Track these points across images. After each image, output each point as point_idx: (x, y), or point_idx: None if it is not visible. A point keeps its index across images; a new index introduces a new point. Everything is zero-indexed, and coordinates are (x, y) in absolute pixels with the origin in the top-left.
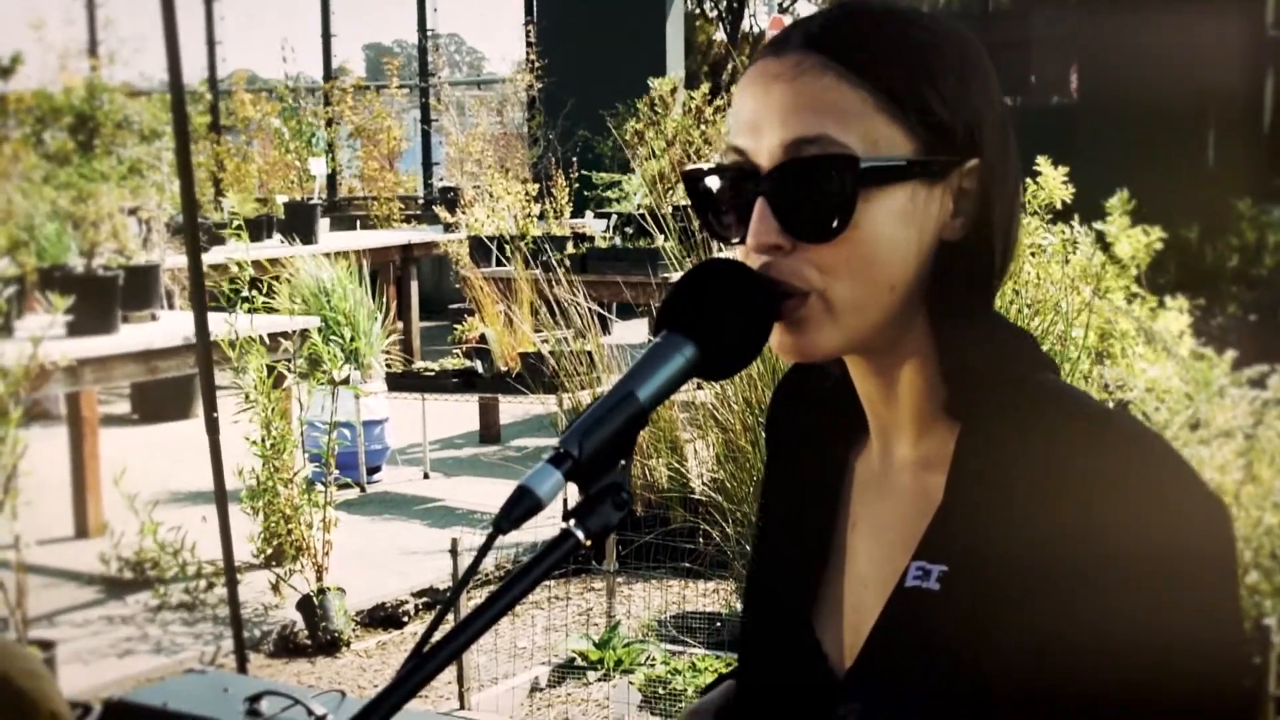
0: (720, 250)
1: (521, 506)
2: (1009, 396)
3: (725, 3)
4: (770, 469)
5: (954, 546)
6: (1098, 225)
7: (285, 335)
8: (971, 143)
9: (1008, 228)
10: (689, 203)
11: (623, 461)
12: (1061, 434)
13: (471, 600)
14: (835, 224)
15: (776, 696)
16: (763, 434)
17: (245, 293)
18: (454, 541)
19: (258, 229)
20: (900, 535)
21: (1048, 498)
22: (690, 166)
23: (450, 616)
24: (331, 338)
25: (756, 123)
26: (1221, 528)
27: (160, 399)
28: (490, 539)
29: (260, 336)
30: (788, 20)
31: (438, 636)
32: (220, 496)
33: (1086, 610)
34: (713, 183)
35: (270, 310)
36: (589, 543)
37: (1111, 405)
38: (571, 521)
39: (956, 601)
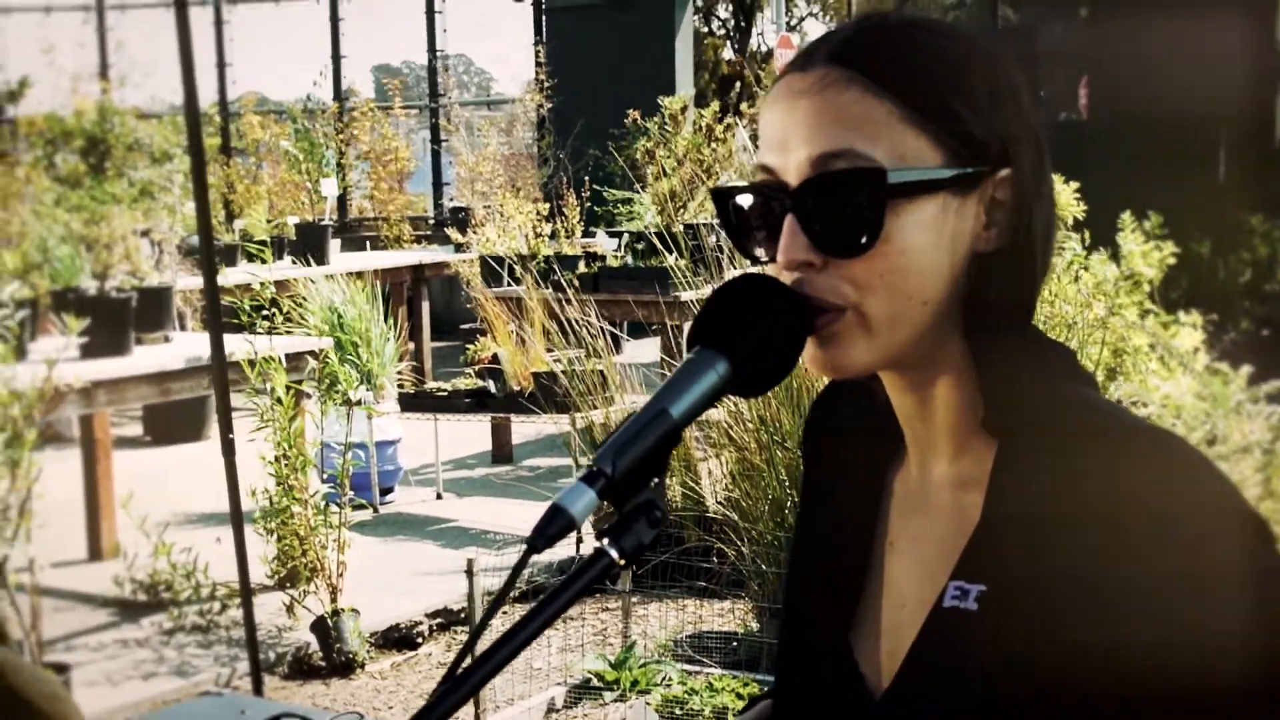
0: (734, 267)
1: (555, 525)
2: (1046, 413)
3: (734, 21)
4: (807, 485)
5: (992, 566)
6: (1116, 238)
7: (305, 355)
8: (1002, 152)
9: (1046, 238)
10: (717, 222)
11: (656, 479)
12: (1099, 451)
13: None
14: (865, 239)
15: (813, 716)
16: (777, 452)
17: (266, 311)
18: (470, 562)
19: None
20: (938, 554)
21: (1084, 516)
22: (719, 185)
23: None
24: (346, 358)
25: (783, 139)
26: (1255, 538)
27: (172, 421)
28: (524, 557)
29: (281, 356)
30: (796, 38)
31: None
32: (236, 518)
33: (1122, 630)
34: (742, 201)
35: (288, 332)
36: (623, 562)
37: None
38: (605, 540)
39: (994, 622)
